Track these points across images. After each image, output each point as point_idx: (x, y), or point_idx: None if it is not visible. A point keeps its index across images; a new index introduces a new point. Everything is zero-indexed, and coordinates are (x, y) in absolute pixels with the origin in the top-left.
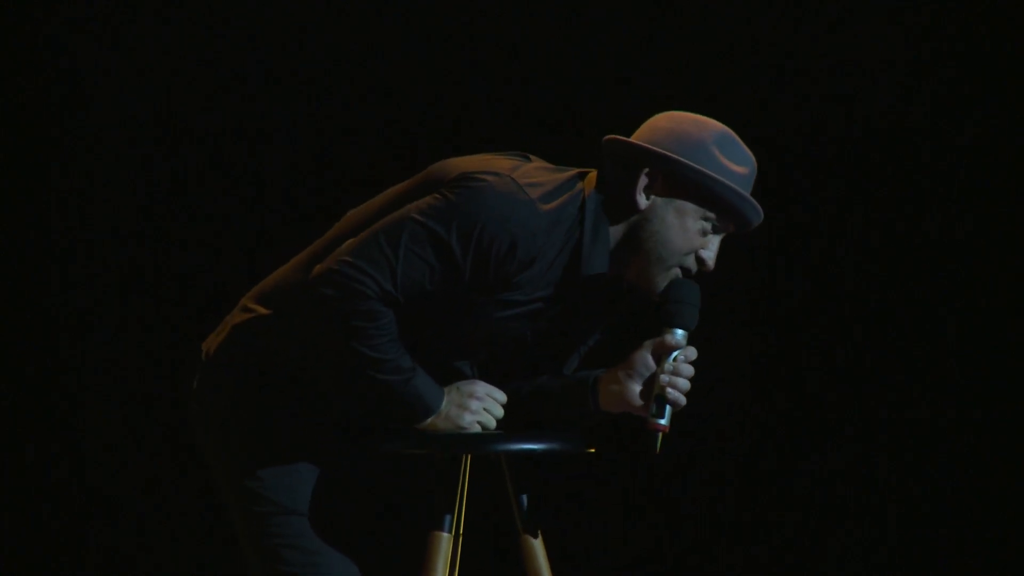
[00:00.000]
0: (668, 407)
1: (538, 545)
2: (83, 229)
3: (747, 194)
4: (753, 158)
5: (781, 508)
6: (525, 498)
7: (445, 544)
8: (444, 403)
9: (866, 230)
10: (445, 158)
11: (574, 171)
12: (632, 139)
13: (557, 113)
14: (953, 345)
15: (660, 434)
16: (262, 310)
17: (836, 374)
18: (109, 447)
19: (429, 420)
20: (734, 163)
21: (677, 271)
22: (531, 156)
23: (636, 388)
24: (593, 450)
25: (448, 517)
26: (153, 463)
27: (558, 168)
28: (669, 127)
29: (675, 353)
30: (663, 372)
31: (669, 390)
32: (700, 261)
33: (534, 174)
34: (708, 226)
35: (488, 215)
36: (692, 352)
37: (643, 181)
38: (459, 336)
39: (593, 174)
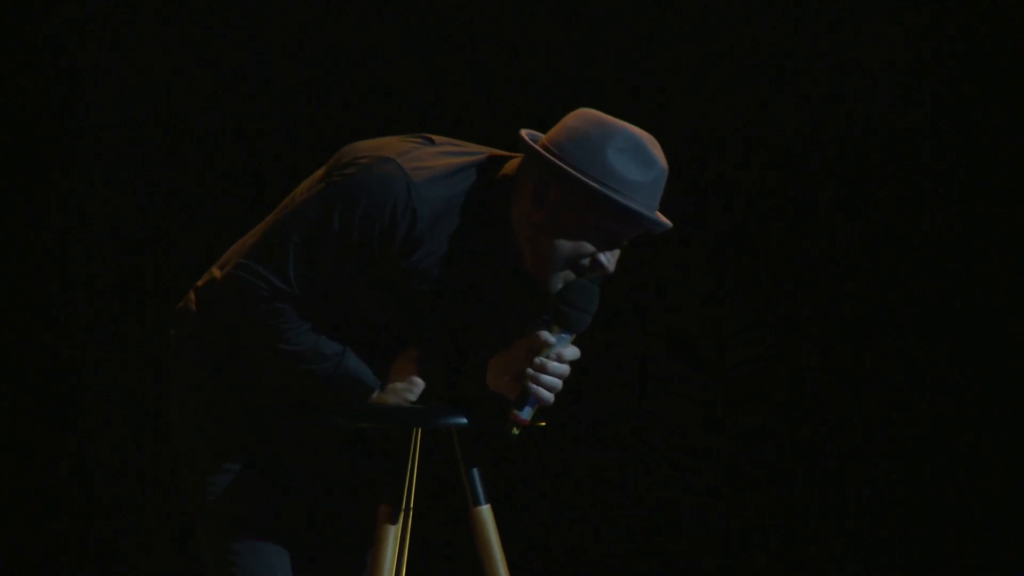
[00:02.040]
0: (530, 401)
1: (489, 519)
2: (83, 229)
3: (633, 205)
4: (662, 164)
5: (778, 509)
6: (476, 472)
7: (396, 518)
8: (387, 377)
9: (866, 230)
10: None
11: (484, 155)
12: (545, 137)
13: (557, 113)
14: (953, 345)
15: (515, 424)
16: (219, 277)
17: (836, 374)
18: (109, 447)
19: (375, 395)
20: (632, 171)
21: (570, 273)
22: (435, 138)
23: (507, 375)
24: (544, 424)
25: (399, 491)
26: (153, 463)
27: (467, 152)
28: (574, 128)
29: (548, 350)
30: (531, 366)
31: (531, 385)
32: (597, 266)
33: (428, 158)
34: (602, 233)
35: (368, 199)
36: (571, 352)
37: (538, 185)
38: (375, 318)
39: (515, 161)
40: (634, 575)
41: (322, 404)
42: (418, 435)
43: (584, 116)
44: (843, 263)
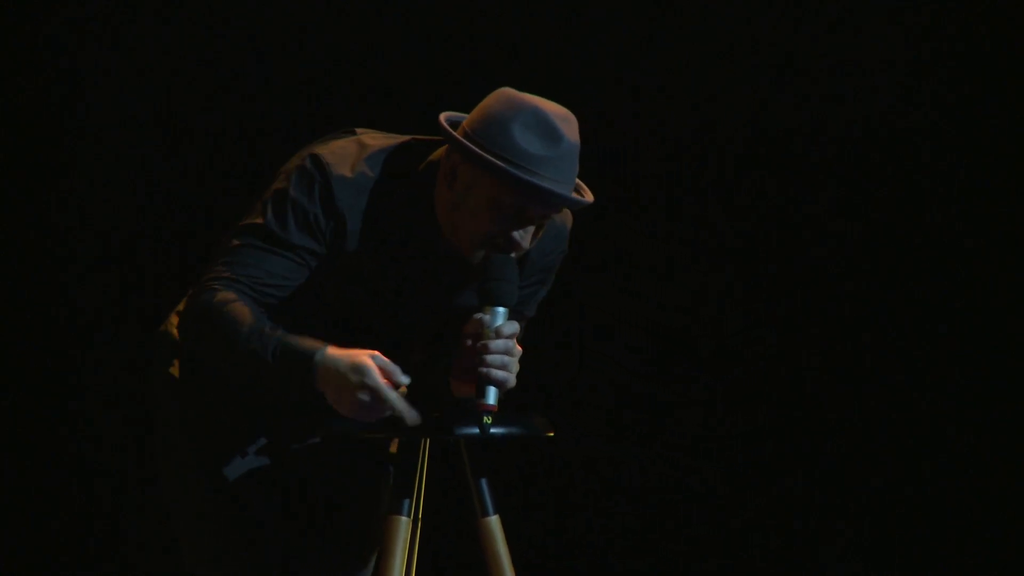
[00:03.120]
0: (489, 385)
1: (497, 530)
2: (83, 229)
3: (533, 179)
4: (571, 139)
5: (778, 509)
6: (484, 482)
7: (404, 528)
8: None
9: (866, 230)
10: None
11: (407, 139)
12: (467, 117)
13: None
14: (953, 345)
15: (486, 414)
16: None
17: (836, 374)
18: (109, 447)
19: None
20: (535, 145)
21: (488, 250)
22: (359, 130)
23: (462, 374)
24: (552, 434)
25: (407, 501)
26: (153, 464)
27: (390, 137)
28: (486, 107)
29: (488, 331)
30: (476, 352)
31: (482, 369)
32: (511, 242)
33: (348, 145)
34: (511, 209)
35: (294, 193)
36: (510, 327)
37: (450, 164)
38: (354, 317)
39: (447, 146)
40: None
41: (321, 406)
42: (426, 445)
43: (498, 95)
44: (843, 263)
